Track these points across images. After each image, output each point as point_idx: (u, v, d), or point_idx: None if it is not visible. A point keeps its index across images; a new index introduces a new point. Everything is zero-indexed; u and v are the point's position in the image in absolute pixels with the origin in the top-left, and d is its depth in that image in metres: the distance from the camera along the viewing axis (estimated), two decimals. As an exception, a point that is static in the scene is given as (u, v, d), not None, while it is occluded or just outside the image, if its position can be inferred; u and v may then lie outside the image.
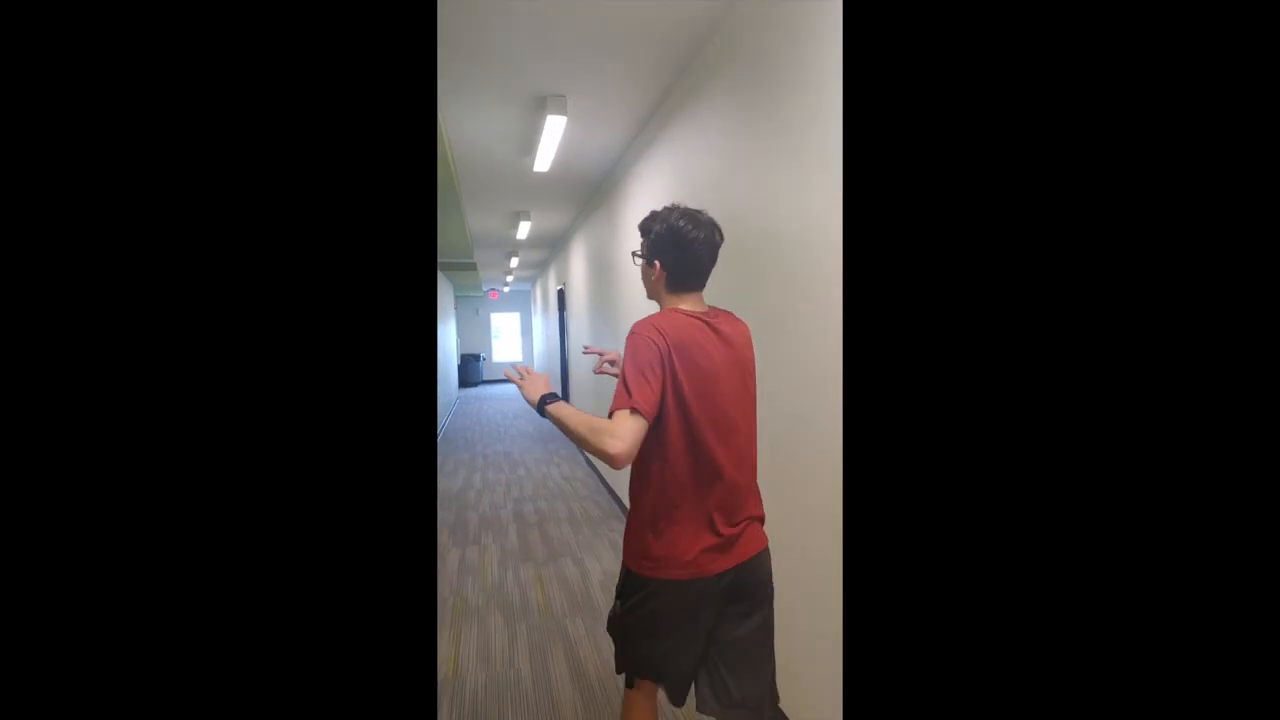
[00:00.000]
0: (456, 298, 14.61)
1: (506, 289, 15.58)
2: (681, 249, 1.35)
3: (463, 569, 3.63)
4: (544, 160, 3.83)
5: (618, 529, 4.23)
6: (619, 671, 1.45)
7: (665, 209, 1.39)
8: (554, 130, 3.23)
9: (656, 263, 1.38)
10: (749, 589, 1.38)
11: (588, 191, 5.01)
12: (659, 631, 1.34)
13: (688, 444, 1.29)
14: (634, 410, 1.19)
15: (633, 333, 1.29)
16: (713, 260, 1.39)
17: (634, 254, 1.44)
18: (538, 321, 12.83)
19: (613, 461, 1.15)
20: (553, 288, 9.04)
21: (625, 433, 1.17)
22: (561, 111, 3.05)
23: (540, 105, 3.09)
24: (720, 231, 1.40)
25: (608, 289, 4.86)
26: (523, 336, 16.70)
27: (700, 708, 1.42)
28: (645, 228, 1.40)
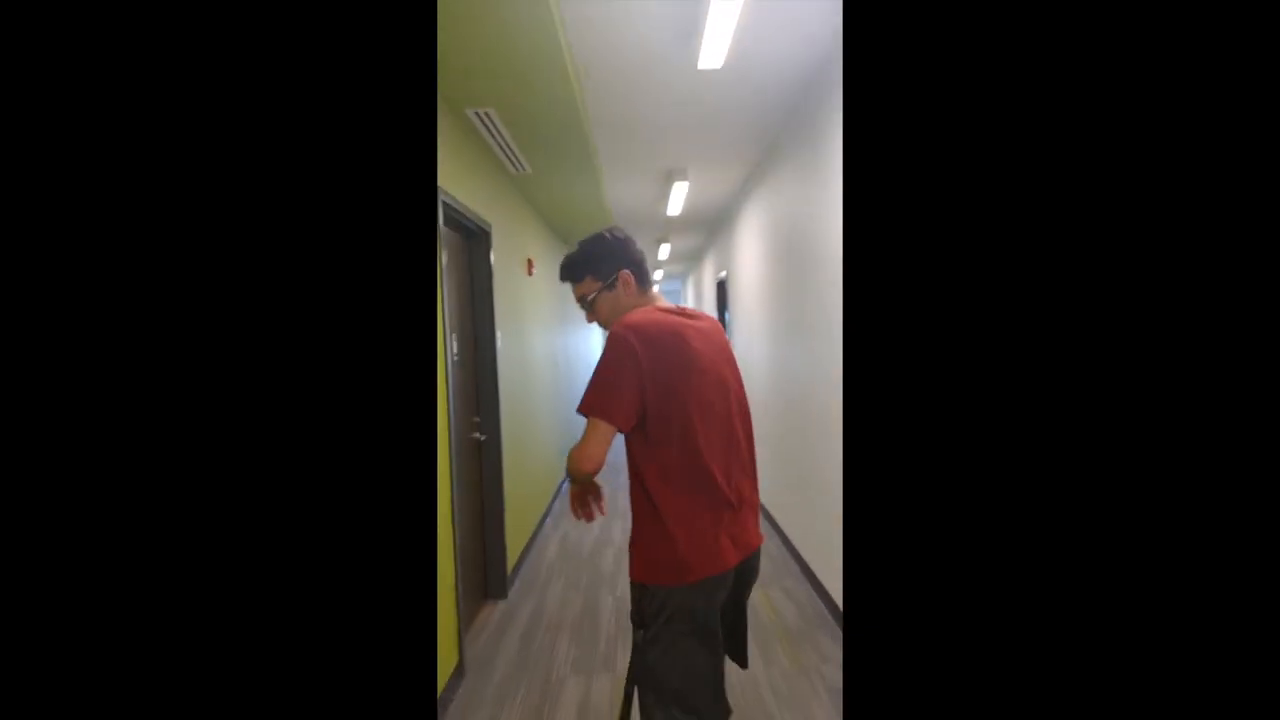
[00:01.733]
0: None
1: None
2: (629, 250, 1.48)
3: (582, 736, 2.15)
4: (716, 45, 2.27)
5: (834, 648, 2.56)
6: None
7: (585, 242, 1.50)
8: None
9: (623, 271, 1.46)
10: (746, 579, 1.44)
11: (775, 123, 3.37)
12: (694, 643, 1.31)
13: (680, 441, 1.30)
14: (604, 419, 1.27)
15: (610, 335, 1.32)
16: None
17: (584, 300, 1.50)
18: (690, 323, 11.33)
19: (590, 476, 1.34)
20: (710, 279, 7.47)
21: (597, 447, 1.28)
22: None
23: None
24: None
25: (797, 273, 3.21)
26: (672, 340, 15.29)
27: None
28: (589, 263, 1.48)
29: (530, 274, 4.43)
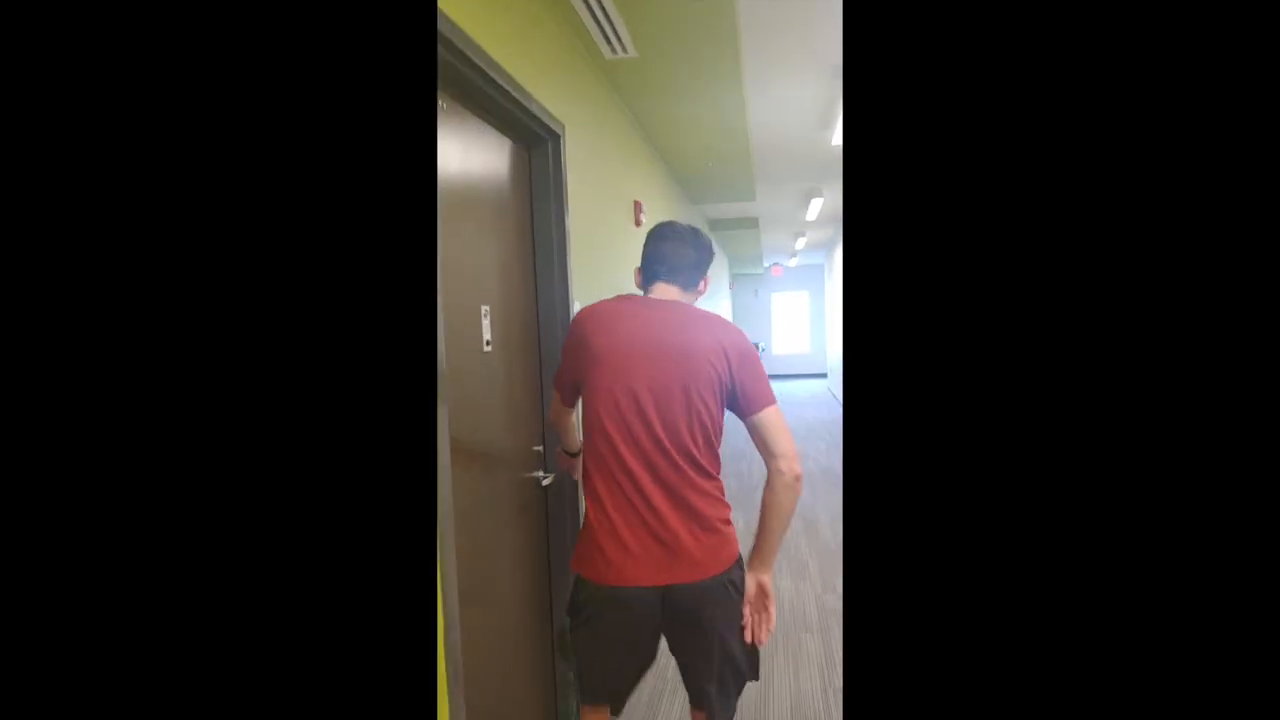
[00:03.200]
0: (732, 275, 12.17)
1: (792, 261, 12.57)
2: (650, 245, 1.47)
3: None
4: None
5: None
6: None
7: None
8: None
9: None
10: (696, 617, 1.29)
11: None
12: (595, 640, 1.32)
13: (599, 425, 1.27)
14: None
15: None
16: (679, 258, 1.43)
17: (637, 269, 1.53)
18: (834, 300, 9.64)
19: (560, 436, 1.68)
20: (874, 244, 5.85)
21: (550, 408, 1.60)
22: None
23: None
24: (701, 239, 1.47)
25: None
26: (812, 323, 13.66)
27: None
28: None
29: (638, 224, 3.14)
